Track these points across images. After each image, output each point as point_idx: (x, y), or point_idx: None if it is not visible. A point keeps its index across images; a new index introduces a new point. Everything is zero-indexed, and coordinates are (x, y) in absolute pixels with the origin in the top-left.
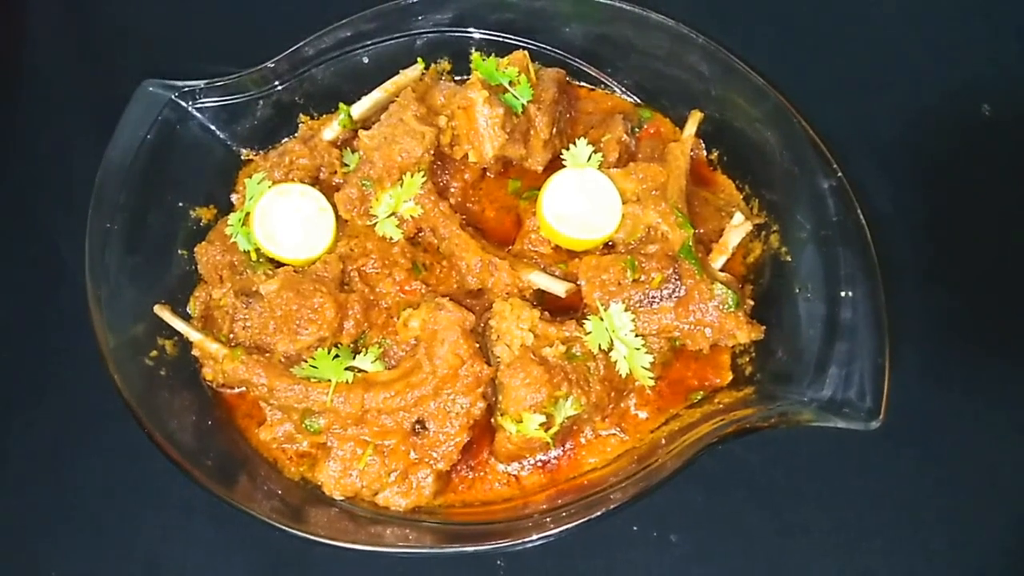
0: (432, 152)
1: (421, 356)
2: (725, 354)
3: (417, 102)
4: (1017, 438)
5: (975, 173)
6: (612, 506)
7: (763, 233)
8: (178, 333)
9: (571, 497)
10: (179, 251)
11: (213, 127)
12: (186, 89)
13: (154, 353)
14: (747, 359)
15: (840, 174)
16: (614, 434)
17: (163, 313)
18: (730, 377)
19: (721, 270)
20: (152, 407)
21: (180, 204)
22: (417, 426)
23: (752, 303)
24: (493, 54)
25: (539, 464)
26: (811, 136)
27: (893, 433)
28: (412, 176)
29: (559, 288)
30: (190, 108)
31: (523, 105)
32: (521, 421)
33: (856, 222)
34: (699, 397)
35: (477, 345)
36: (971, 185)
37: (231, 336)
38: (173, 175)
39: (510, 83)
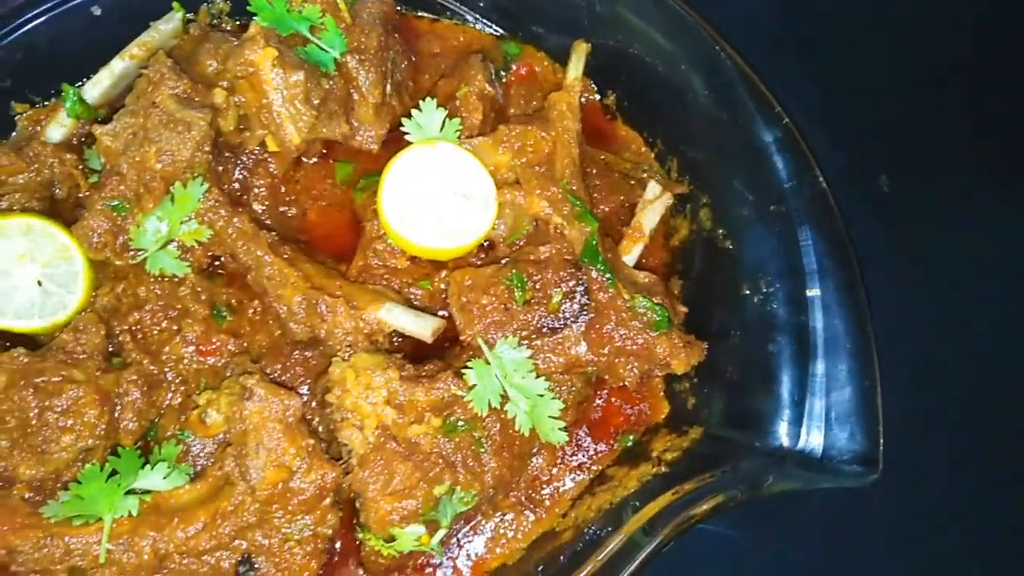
0: (209, 147)
1: (230, 468)
2: (658, 379)
3: (176, 74)
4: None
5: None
6: None
7: (689, 207)
8: None
9: None
10: None
11: None
12: None
13: None
14: (687, 385)
15: (787, 120)
16: (523, 514)
17: None
18: (667, 409)
19: (639, 261)
20: None
21: None
22: (241, 568)
23: (686, 310)
24: None
25: (429, 571)
26: (741, 67)
27: None
28: (185, 186)
29: (423, 327)
30: None
31: (336, 59)
32: (393, 539)
33: (816, 188)
34: (630, 442)
35: (312, 441)
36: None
37: None
38: None
39: (311, 29)
